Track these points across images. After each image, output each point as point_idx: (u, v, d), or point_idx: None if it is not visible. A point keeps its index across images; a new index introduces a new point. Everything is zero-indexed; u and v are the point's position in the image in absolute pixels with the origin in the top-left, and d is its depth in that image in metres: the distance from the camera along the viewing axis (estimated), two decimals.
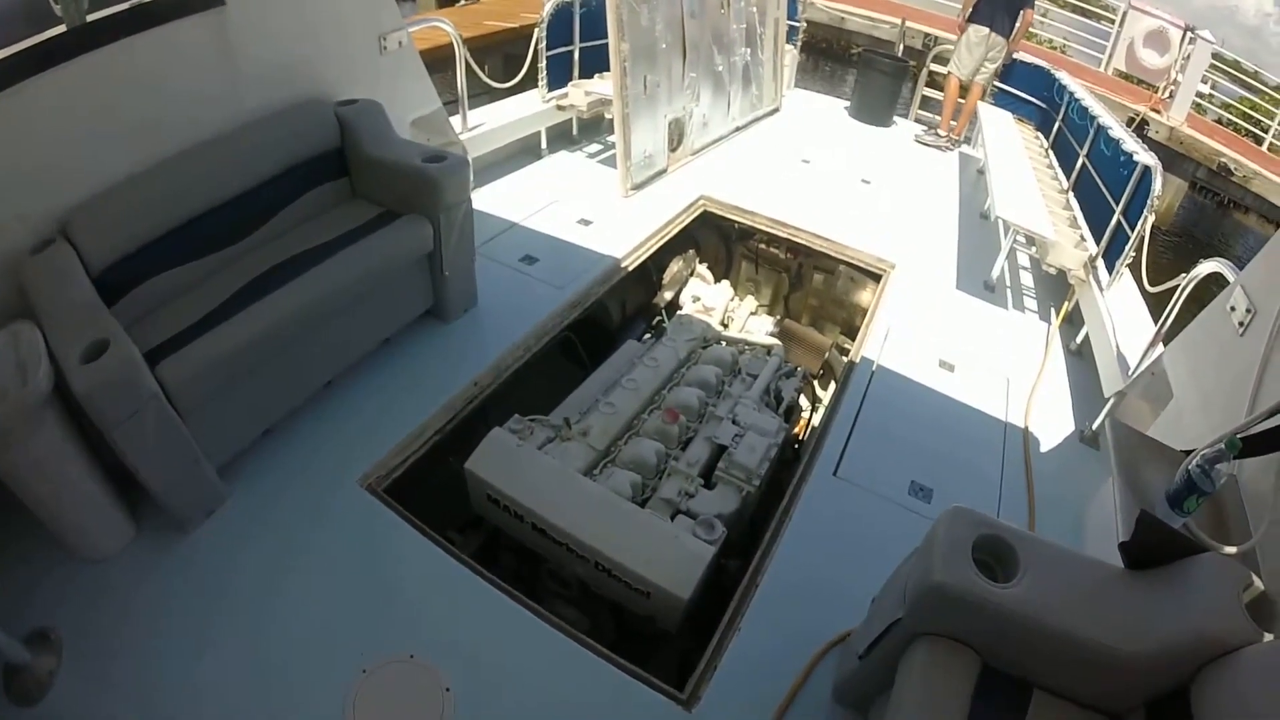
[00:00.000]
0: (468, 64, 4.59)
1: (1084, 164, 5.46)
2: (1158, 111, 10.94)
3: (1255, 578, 1.70)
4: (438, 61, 4.63)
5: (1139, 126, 10.66)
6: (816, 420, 4.22)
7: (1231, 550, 1.95)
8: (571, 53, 5.45)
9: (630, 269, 4.22)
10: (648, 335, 4.41)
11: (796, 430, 3.93)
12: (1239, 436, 2.00)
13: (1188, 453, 2.23)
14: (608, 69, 5.43)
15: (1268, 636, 1.52)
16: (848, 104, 7.97)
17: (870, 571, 2.32)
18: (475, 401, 3.07)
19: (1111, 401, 3.54)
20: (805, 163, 6.15)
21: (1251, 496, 2.19)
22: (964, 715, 1.64)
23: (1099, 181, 4.97)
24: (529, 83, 5.33)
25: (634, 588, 2.47)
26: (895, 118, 7.86)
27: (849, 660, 2.18)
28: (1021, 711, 1.71)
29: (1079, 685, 1.71)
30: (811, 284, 5.32)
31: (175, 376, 2.21)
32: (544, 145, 5.38)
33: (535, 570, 2.79)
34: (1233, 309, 2.70)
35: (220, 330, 2.38)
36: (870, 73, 7.57)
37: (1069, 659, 1.67)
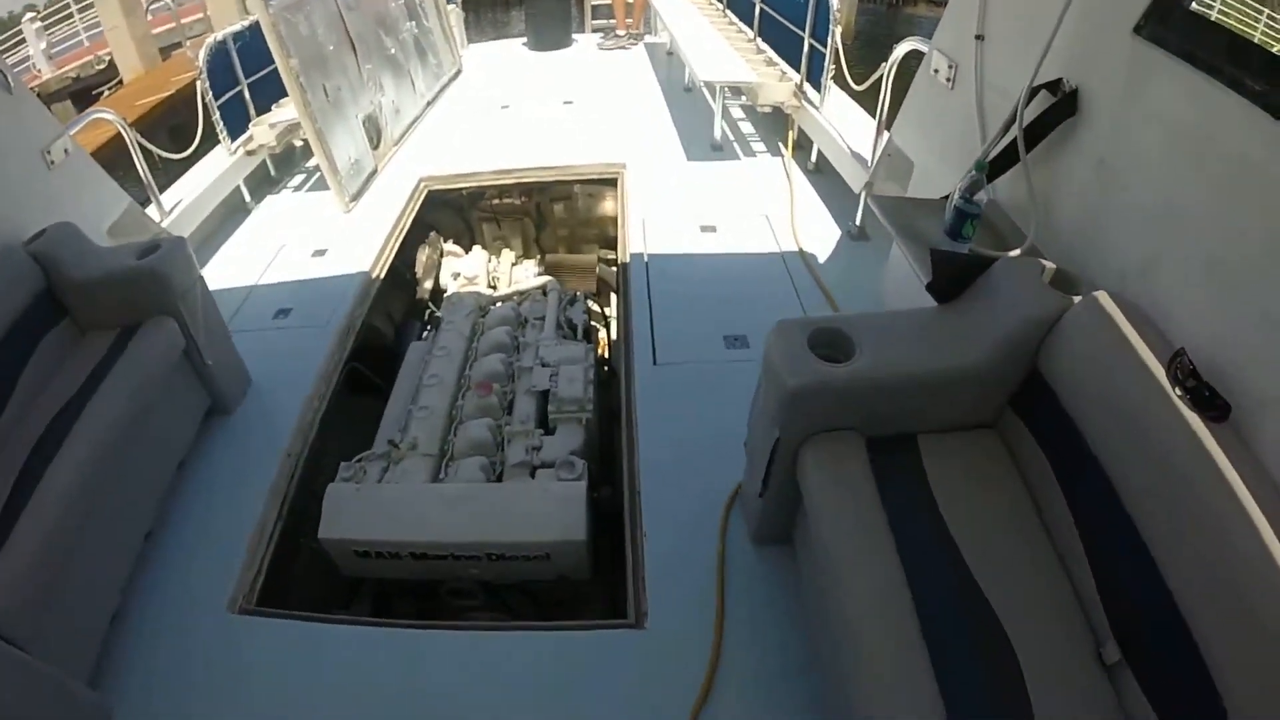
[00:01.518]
0: (142, 147, 4.18)
1: (761, 9, 5.79)
2: None
3: (1045, 263, 2.03)
4: (105, 158, 4.18)
5: None
6: (613, 333, 4.33)
7: (1016, 252, 2.20)
8: (241, 93, 5.14)
9: (381, 277, 4.07)
10: (427, 332, 4.30)
11: (600, 350, 4.00)
12: (985, 160, 2.28)
13: (945, 199, 2.48)
14: (281, 96, 5.18)
15: (1076, 299, 1.81)
16: (524, 40, 7.98)
17: (727, 428, 2.51)
18: (296, 472, 2.88)
19: (864, 194, 3.86)
20: (505, 109, 6.13)
21: (1011, 207, 2.48)
22: (873, 482, 1.83)
23: (780, 18, 5.29)
24: (206, 144, 4.95)
25: (533, 557, 2.46)
26: (573, 36, 7.96)
27: (751, 505, 2.33)
28: (916, 455, 1.95)
29: (950, 413, 1.99)
30: (555, 216, 5.36)
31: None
32: (247, 198, 5.04)
33: (436, 599, 2.70)
34: (936, 71, 3.01)
35: (14, 537, 2.01)
36: (536, 2, 7.60)
37: (927, 395, 1.92)
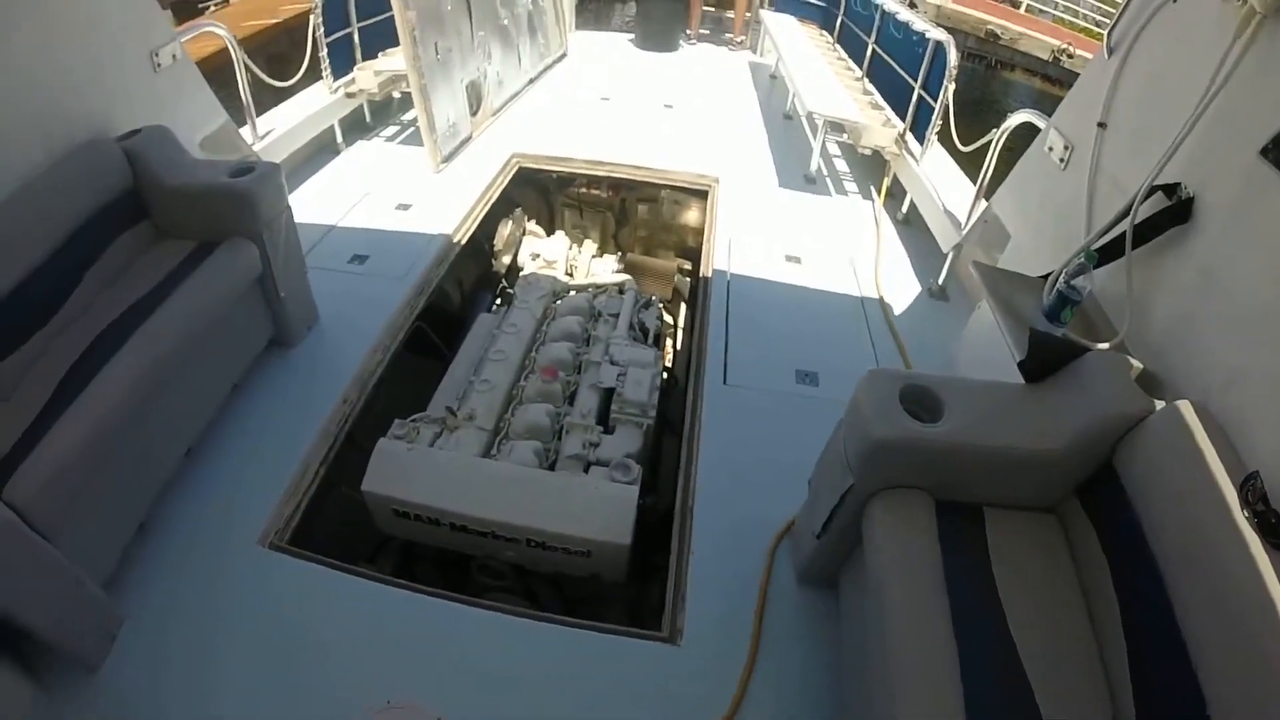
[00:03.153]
0: (247, 68, 4.20)
1: (873, 50, 5.74)
2: None
3: (1133, 361, 2.03)
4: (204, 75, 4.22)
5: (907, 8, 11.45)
6: (680, 344, 4.30)
7: (1106, 346, 2.20)
8: (351, 35, 5.13)
9: (462, 243, 4.07)
10: (497, 305, 4.28)
11: (666, 360, 3.98)
12: (1093, 249, 2.31)
13: (1044, 278, 2.48)
14: (389, 46, 5.21)
15: (1159, 404, 1.81)
16: (631, 36, 8.01)
17: (788, 461, 2.51)
18: (349, 420, 2.86)
19: (951, 255, 3.82)
20: (605, 100, 6.13)
21: (1107, 300, 2.46)
22: (936, 547, 1.82)
23: (893, 64, 5.25)
24: (309, 78, 4.96)
25: (573, 551, 2.43)
26: (681, 41, 7.97)
27: (804, 543, 2.30)
28: (980, 528, 1.94)
29: (1019, 491, 1.97)
30: (637, 216, 5.33)
31: (26, 495, 1.81)
32: (340, 139, 5.06)
33: (460, 571, 2.68)
34: (1050, 149, 3.00)
35: (59, 427, 1.99)
36: (649, 1, 7.61)
37: (1005, 471, 1.91)
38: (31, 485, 1.84)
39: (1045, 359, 2.04)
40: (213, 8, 10.23)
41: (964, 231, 3.74)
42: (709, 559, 2.41)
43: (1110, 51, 2.73)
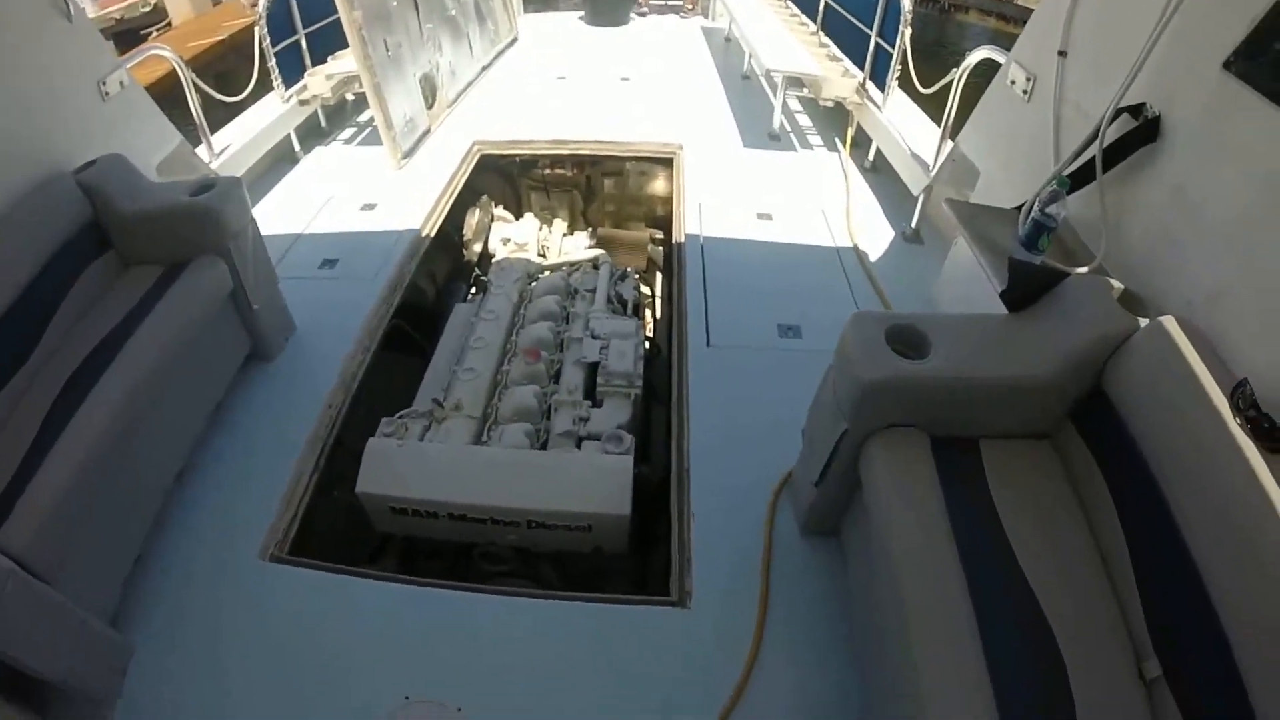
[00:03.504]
0: (196, 88, 4.15)
1: (826, 3, 5.72)
2: None
3: (1114, 282, 2.04)
4: (155, 99, 4.15)
5: None
6: (659, 312, 4.29)
7: (1084, 270, 2.21)
8: (298, 42, 5.09)
9: (431, 236, 4.04)
10: (472, 294, 4.26)
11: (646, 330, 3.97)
12: (1064, 176, 2.31)
13: (1018, 209, 2.47)
14: (338, 49, 5.14)
15: (1143, 322, 1.81)
16: (580, 14, 7.94)
17: (779, 414, 2.53)
18: (336, 424, 2.84)
19: (922, 198, 3.82)
20: (561, 79, 6.08)
21: (1082, 226, 2.46)
22: (935, 481, 1.83)
23: (847, 14, 5.24)
24: (260, 90, 4.91)
25: (575, 528, 2.43)
26: (630, 14, 7.91)
27: (804, 494, 2.30)
28: (978, 459, 1.94)
29: (1012, 421, 1.97)
30: (604, 191, 5.31)
31: (20, 541, 1.78)
32: (297, 147, 5.01)
33: (463, 561, 2.66)
34: (1012, 82, 2.99)
35: (46, 468, 1.95)
36: None
37: (996, 401, 1.92)
38: (26, 529, 1.81)
39: (1026, 287, 2.04)
40: (155, 32, 10.08)
41: (933, 173, 3.73)
42: (710, 519, 2.41)
43: None
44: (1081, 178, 2.32)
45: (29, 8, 2.77)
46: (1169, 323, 1.74)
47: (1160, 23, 2.05)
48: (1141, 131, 2.18)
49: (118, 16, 11.32)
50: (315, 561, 2.35)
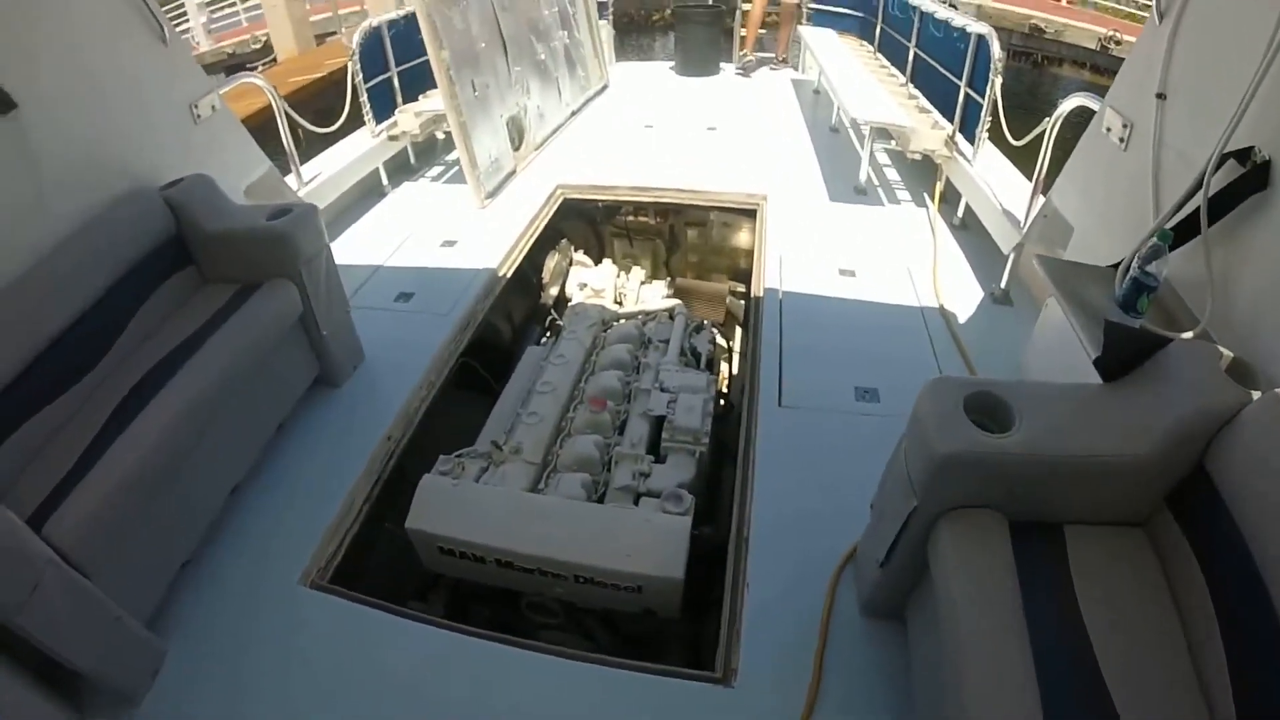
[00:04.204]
0: (289, 117, 4.29)
1: (915, 53, 5.60)
2: None
3: (1221, 349, 1.81)
4: (252, 128, 4.34)
5: None
6: (735, 368, 4.17)
7: (1189, 335, 2.01)
8: (390, 79, 5.24)
9: (508, 276, 4.04)
10: (545, 338, 4.23)
11: (720, 384, 3.85)
12: (1166, 229, 2.09)
13: (1114, 267, 2.28)
14: (429, 88, 5.26)
15: (1255, 394, 1.60)
16: (671, 64, 7.97)
17: (850, 483, 2.32)
18: (394, 457, 2.83)
19: (1012, 256, 3.63)
20: (649, 128, 6.08)
21: (1184, 285, 2.25)
22: (1013, 573, 1.62)
23: (936, 65, 5.10)
24: (351, 125, 5.06)
25: (624, 587, 2.31)
26: (721, 64, 7.90)
27: (868, 572, 2.11)
28: (1061, 548, 1.73)
29: (1102, 505, 1.76)
30: (687, 240, 5.24)
31: (66, 533, 1.85)
32: (385, 181, 5.12)
33: (513, 609, 2.59)
34: (1108, 130, 2.81)
35: (101, 466, 2.04)
36: (688, 25, 7.61)
37: (1086, 481, 1.70)
38: (70, 523, 1.87)
39: (1124, 353, 1.83)
40: (260, 67, 10.62)
41: (1024, 229, 3.54)
42: (766, 591, 2.25)
43: (1161, 16, 2.54)
44: (1184, 232, 2.12)
45: (127, 31, 2.91)
46: None
47: (1266, 58, 1.88)
48: (1250, 178, 1.99)
49: (230, 51, 12.01)
50: (354, 594, 2.31)
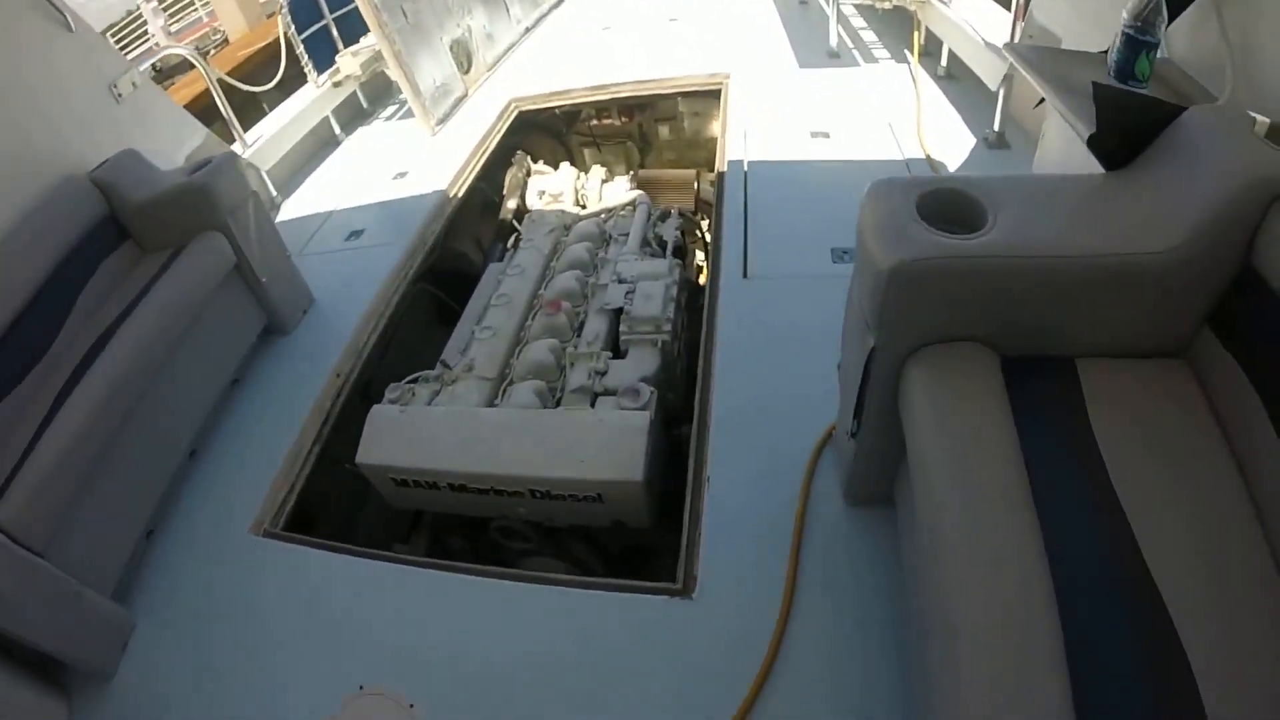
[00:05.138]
0: (222, 82, 4.11)
1: None
2: None
3: (1254, 115, 1.35)
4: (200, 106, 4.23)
5: None
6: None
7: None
8: (327, 27, 4.98)
9: (460, 195, 3.81)
10: (509, 253, 4.00)
11: (700, 279, 3.57)
12: None
13: (1105, 54, 1.90)
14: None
15: None
16: None
17: (827, 357, 1.93)
18: (343, 394, 2.68)
19: (1002, 91, 3.26)
20: (607, 29, 5.72)
21: (1195, 65, 1.87)
22: (1008, 415, 1.27)
23: None
24: (301, 81, 4.83)
25: (583, 497, 2.10)
26: None
27: (844, 450, 1.81)
28: (1074, 386, 1.36)
29: (1121, 328, 1.38)
30: (659, 138, 4.93)
31: (11, 513, 1.81)
32: (338, 130, 4.89)
33: (488, 538, 2.42)
34: None
35: (41, 444, 1.97)
36: None
37: (1094, 295, 1.32)
38: (15, 502, 1.85)
39: (1124, 127, 1.43)
40: (213, 51, 10.57)
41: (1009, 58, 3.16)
42: (733, 487, 2.00)
43: None
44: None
45: (29, 25, 2.84)
46: None
47: None
48: None
49: (194, 48, 11.80)
50: (303, 537, 2.21)
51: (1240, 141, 1.27)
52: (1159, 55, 1.76)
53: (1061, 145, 2.41)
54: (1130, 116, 1.44)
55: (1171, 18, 1.75)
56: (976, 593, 1.07)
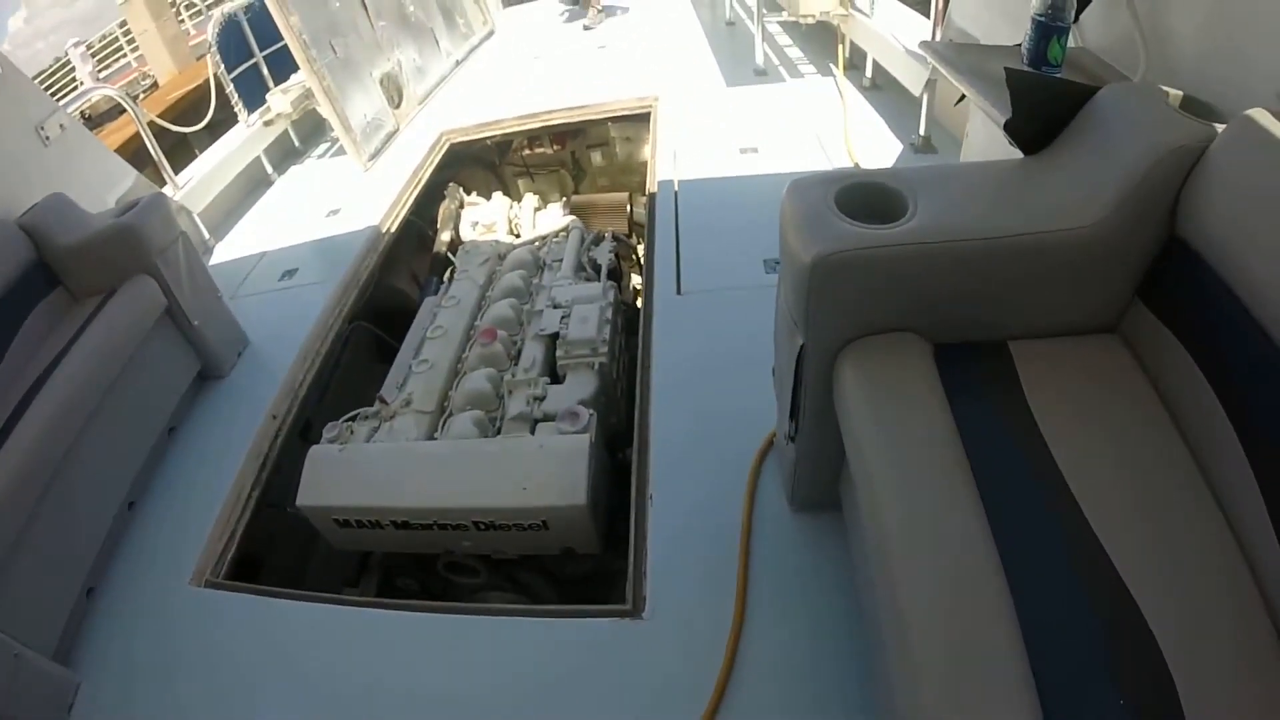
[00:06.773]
0: (150, 123, 4.07)
1: None
2: None
3: (1167, 90, 1.44)
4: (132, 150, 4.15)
5: None
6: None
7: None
8: (257, 66, 4.97)
9: (394, 230, 3.78)
10: (443, 286, 3.98)
11: (637, 301, 3.59)
12: None
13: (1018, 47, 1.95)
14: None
15: (1218, 127, 1.24)
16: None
17: (764, 367, 1.93)
18: (281, 435, 2.63)
19: (926, 96, 3.34)
20: (536, 59, 5.76)
21: (1107, 50, 1.95)
22: (943, 401, 1.28)
23: None
24: (233, 121, 4.79)
25: (527, 526, 2.07)
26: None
27: (786, 455, 1.81)
28: (1007, 367, 1.39)
29: (1054, 308, 1.41)
30: (592, 165, 4.97)
31: None
32: (270, 169, 4.83)
33: (438, 576, 2.39)
34: None
35: None
36: None
37: (1020, 275, 1.34)
38: None
39: (1039, 110, 1.46)
40: (143, 95, 10.39)
41: (930, 63, 3.24)
42: (677, 503, 1.99)
43: None
44: None
45: None
46: (1258, 115, 1.16)
47: None
48: None
49: (124, 92, 11.55)
50: (248, 585, 2.15)
51: (1156, 113, 1.32)
52: (1072, 43, 1.82)
53: (984, 142, 2.47)
54: (1043, 98, 1.48)
55: (1082, 6, 1.82)
56: (923, 583, 1.07)
